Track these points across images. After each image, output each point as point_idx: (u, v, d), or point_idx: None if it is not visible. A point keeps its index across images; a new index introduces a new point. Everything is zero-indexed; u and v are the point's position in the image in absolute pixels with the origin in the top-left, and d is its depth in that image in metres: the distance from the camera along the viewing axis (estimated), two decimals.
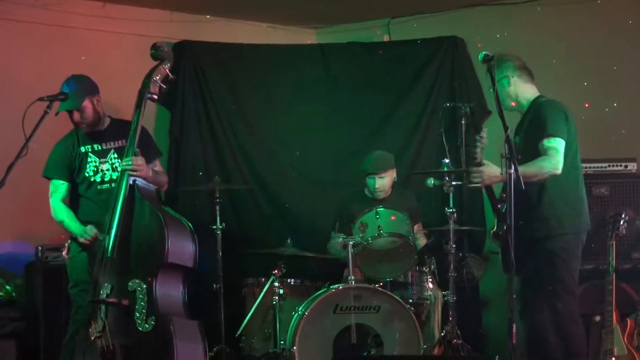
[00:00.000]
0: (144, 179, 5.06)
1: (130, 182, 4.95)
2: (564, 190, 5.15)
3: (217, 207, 6.33)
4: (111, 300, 4.80)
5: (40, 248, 6.11)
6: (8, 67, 6.37)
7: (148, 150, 5.28)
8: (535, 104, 5.26)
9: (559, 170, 5.02)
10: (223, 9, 7.26)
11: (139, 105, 5.05)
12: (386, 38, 7.69)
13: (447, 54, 7.29)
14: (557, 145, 5.03)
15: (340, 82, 7.53)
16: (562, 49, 6.83)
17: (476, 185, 5.09)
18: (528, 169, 4.94)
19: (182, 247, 4.91)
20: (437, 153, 6.75)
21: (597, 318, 5.69)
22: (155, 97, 5.09)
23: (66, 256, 5.38)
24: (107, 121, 5.43)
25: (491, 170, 4.99)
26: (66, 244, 5.37)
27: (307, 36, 7.96)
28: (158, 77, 5.07)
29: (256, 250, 6.62)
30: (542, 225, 5.14)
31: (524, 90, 5.32)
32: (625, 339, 5.48)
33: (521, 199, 4.67)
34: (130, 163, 4.97)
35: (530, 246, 5.10)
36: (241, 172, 7.30)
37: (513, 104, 5.32)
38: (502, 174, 4.86)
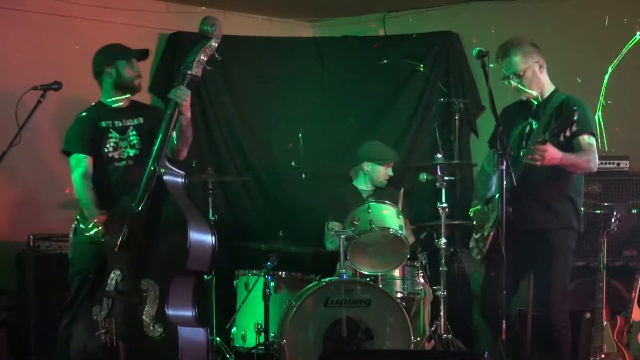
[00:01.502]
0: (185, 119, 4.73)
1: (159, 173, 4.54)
2: (575, 184, 5.08)
3: (210, 199, 6.33)
4: (123, 295, 4.53)
5: (32, 237, 6.09)
6: (3, 55, 6.35)
7: None
8: (560, 96, 5.09)
9: (596, 169, 5.00)
10: (219, 0, 7.24)
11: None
12: (382, 32, 7.69)
13: (442, 49, 7.29)
14: (595, 143, 4.95)
15: (335, 76, 7.53)
16: (556, 45, 6.82)
17: (533, 163, 4.68)
18: (580, 159, 4.85)
19: (203, 253, 4.58)
20: (431, 148, 6.76)
21: (588, 315, 5.69)
22: (198, 78, 4.63)
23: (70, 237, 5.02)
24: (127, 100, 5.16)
25: (554, 151, 4.70)
26: (73, 225, 5.01)
27: (303, 29, 7.96)
28: (204, 58, 4.59)
29: (248, 243, 6.61)
30: (549, 218, 5.02)
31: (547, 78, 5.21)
32: (615, 336, 5.49)
33: (530, 191, 4.85)
34: (178, 93, 4.59)
35: (532, 238, 5.01)
36: (234, 163, 7.30)
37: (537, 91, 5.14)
38: (562, 157, 4.73)
